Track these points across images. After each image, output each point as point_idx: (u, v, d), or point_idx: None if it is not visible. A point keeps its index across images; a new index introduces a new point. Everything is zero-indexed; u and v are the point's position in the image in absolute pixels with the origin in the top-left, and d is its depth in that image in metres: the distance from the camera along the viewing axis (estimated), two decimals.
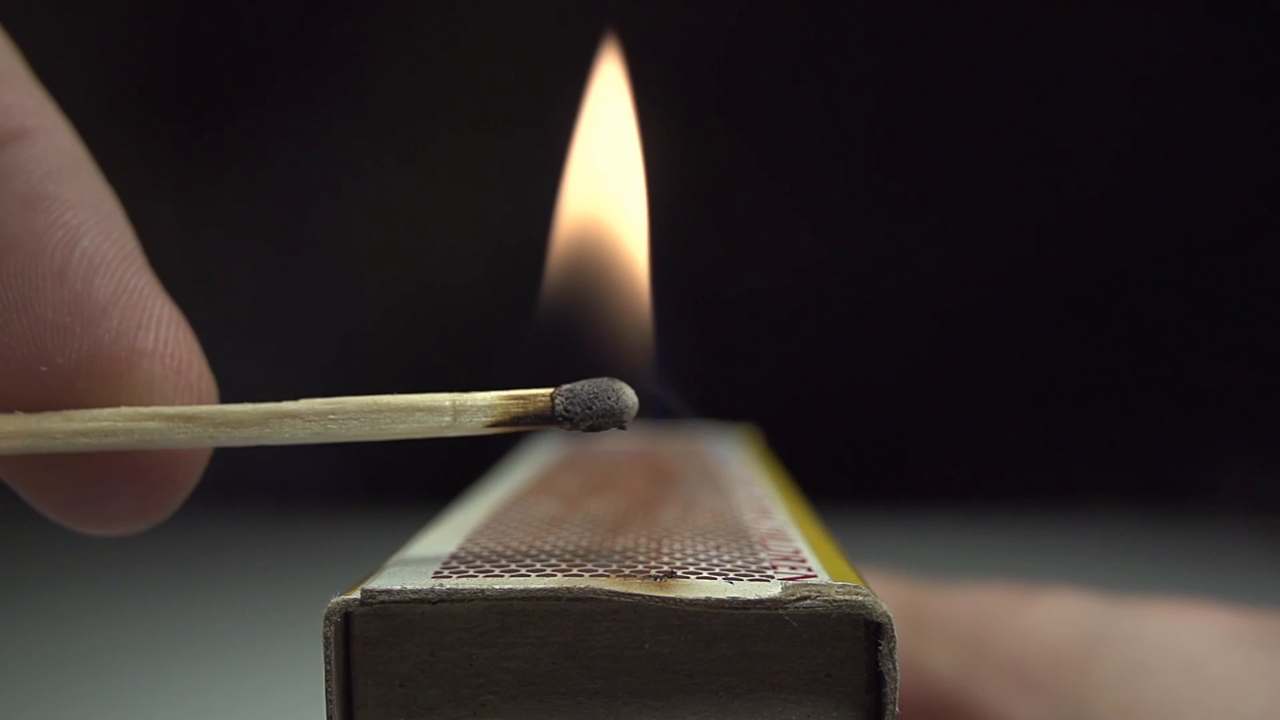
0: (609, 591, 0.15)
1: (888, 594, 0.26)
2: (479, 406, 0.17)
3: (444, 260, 0.93)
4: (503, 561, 0.16)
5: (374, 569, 0.17)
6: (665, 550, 0.17)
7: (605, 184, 0.21)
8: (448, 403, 0.17)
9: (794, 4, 0.93)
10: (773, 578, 0.16)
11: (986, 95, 0.92)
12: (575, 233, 0.21)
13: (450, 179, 0.93)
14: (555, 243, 0.21)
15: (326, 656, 0.15)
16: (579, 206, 0.21)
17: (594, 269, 0.21)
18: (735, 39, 0.92)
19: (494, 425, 0.17)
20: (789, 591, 0.15)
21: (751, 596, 0.15)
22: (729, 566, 0.16)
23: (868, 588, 0.15)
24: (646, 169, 0.21)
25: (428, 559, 0.17)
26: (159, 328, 0.17)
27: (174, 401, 0.17)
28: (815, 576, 0.16)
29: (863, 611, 0.15)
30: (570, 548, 0.17)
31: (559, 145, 0.21)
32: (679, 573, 0.16)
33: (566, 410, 0.17)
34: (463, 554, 0.17)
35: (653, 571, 0.16)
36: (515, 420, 0.17)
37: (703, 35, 0.91)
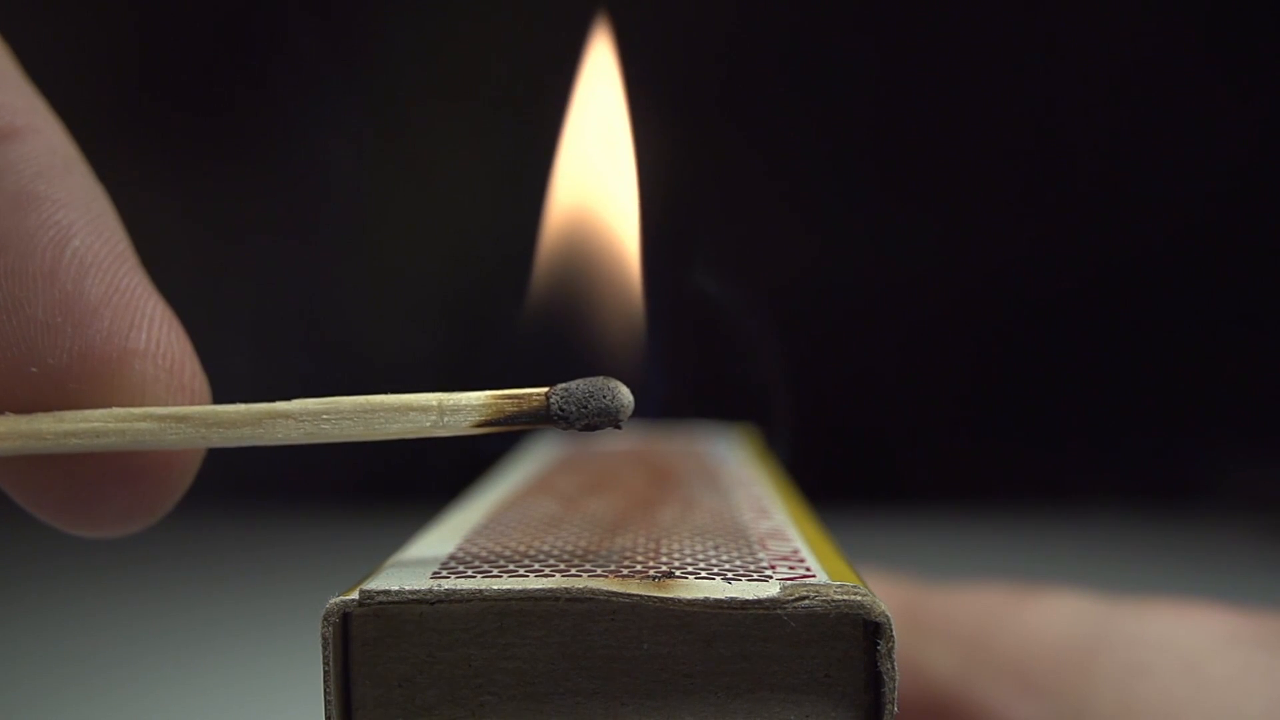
0: (607, 592, 0.15)
1: (887, 594, 0.26)
2: (474, 406, 0.17)
3: (437, 257, 0.93)
4: (501, 562, 0.16)
5: (372, 569, 0.16)
6: (664, 550, 0.17)
7: (596, 174, 0.21)
8: (442, 403, 0.17)
9: None
10: (771, 578, 0.16)
11: (985, 93, 0.92)
12: (566, 225, 0.21)
13: (442, 174, 0.92)
14: (545, 235, 0.21)
15: (325, 657, 0.15)
16: (570, 198, 0.21)
17: (585, 262, 0.21)
18: (731, 29, 0.92)
19: (489, 425, 0.17)
20: (787, 591, 0.15)
21: (750, 597, 0.15)
22: (727, 566, 0.16)
23: (866, 588, 0.15)
24: (638, 159, 0.21)
25: (426, 560, 0.17)
26: (151, 328, 0.17)
27: (166, 402, 0.17)
28: (814, 576, 0.16)
29: (861, 611, 0.15)
30: (569, 548, 0.17)
31: (549, 135, 0.21)
32: (677, 573, 0.16)
33: (562, 409, 0.17)
34: (461, 554, 0.17)
35: (651, 572, 0.16)
36: (510, 419, 0.17)
37: (697, 23, 0.91)
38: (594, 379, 0.17)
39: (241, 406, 0.17)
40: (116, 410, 0.17)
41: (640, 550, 0.17)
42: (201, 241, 0.90)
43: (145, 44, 0.93)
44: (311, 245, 0.93)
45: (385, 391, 0.17)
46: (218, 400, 0.18)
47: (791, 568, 0.16)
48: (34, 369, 0.17)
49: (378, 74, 0.92)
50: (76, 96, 0.26)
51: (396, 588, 0.15)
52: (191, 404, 0.18)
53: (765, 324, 0.85)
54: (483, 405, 0.17)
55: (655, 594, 0.15)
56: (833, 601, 0.15)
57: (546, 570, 0.16)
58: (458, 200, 0.93)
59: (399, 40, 0.92)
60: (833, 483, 0.49)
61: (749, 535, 0.19)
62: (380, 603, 0.15)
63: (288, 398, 0.17)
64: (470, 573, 0.16)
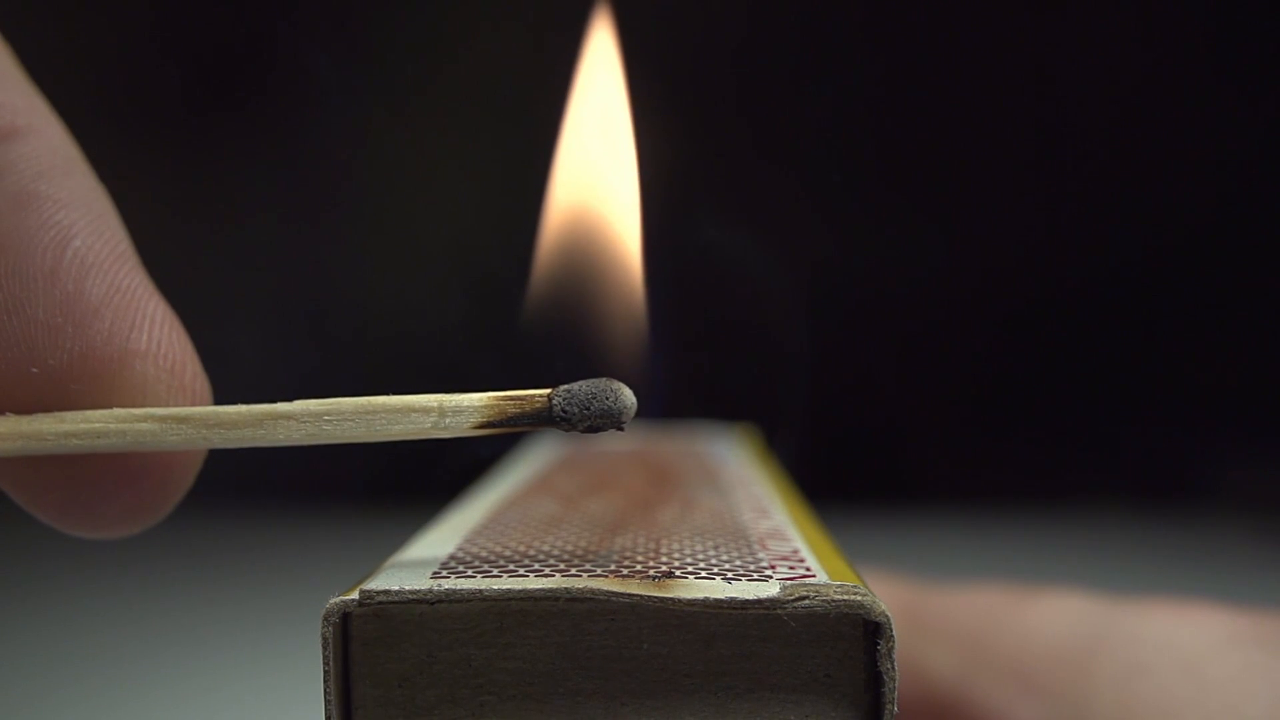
0: (607, 592, 0.15)
1: (887, 594, 0.26)
2: (475, 407, 0.17)
3: (437, 256, 0.93)
4: (501, 562, 0.16)
5: (372, 570, 0.16)
6: (664, 550, 0.17)
7: (598, 171, 0.21)
8: (444, 404, 0.17)
9: None
10: (771, 578, 0.16)
11: (986, 95, 0.92)
12: (567, 223, 0.21)
13: (442, 172, 0.92)
14: (546, 234, 0.21)
15: (325, 657, 0.15)
16: (571, 195, 0.21)
17: (586, 261, 0.21)
18: (734, 22, 0.92)
19: (490, 426, 0.17)
20: (787, 591, 0.15)
21: (750, 596, 0.15)
22: (727, 566, 0.16)
23: (866, 587, 0.15)
24: (640, 155, 0.21)
25: (426, 560, 0.17)
26: (152, 328, 0.17)
27: (167, 403, 0.17)
28: (814, 576, 0.16)
29: (861, 611, 0.15)
30: (569, 548, 0.17)
31: (550, 130, 0.21)
32: (677, 573, 0.16)
33: (564, 411, 0.17)
34: (461, 554, 0.17)
35: (651, 572, 0.16)
36: (512, 421, 0.17)
37: (700, 15, 0.91)
38: (596, 380, 0.17)
39: (243, 407, 0.17)
40: (117, 411, 0.17)
41: (640, 550, 0.17)
42: (202, 242, 0.90)
43: (145, 44, 0.92)
44: (312, 245, 0.93)
45: (387, 392, 0.17)
46: (219, 401, 0.18)
47: (791, 568, 0.16)
48: (35, 369, 0.17)
49: (377, 70, 0.92)
50: (76, 96, 0.26)
51: (396, 588, 0.15)
52: (192, 405, 0.18)
53: (765, 323, 0.86)
54: (484, 407, 0.17)
55: (655, 594, 0.15)
56: (833, 601, 0.15)
57: (546, 570, 0.16)
58: (457, 199, 0.93)
59: (397, 37, 0.92)
60: (833, 483, 0.49)
61: (749, 535, 0.18)
62: (380, 603, 0.15)
63: (289, 398, 0.17)
64: (470, 573, 0.16)
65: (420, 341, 0.89)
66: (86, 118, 0.22)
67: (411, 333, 0.91)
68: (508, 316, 0.21)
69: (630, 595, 0.15)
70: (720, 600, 0.15)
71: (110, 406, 0.17)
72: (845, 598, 0.15)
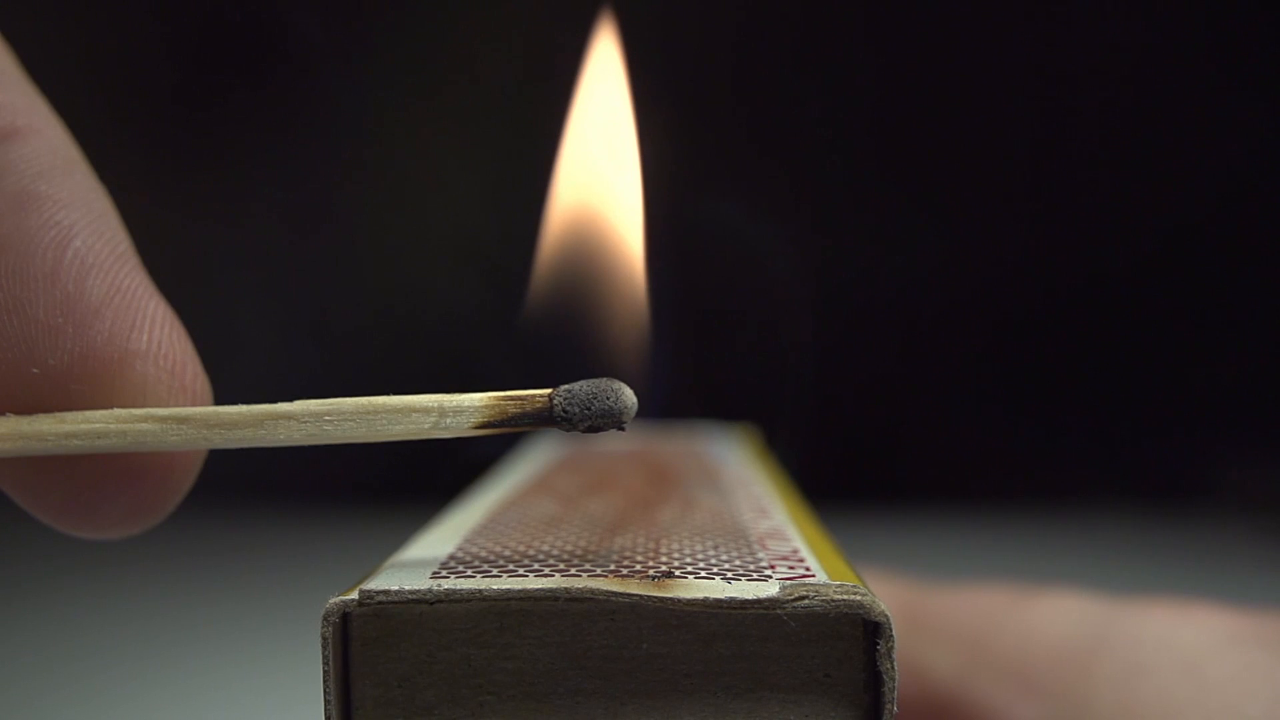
0: (607, 592, 0.15)
1: (887, 594, 0.26)
2: (476, 407, 0.17)
3: (439, 257, 0.93)
4: (501, 562, 0.16)
5: (372, 569, 0.16)
6: (663, 550, 0.17)
7: (600, 172, 0.21)
8: (444, 404, 0.17)
9: None
10: (771, 577, 0.16)
11: (987, 95, 0.92)
12: (569, 224, 0.21)
13: (444, 173, 0.92)
14: (548, 235, 0.21)
15: (325, 657, 0.15)
16: (573, 196, 0.21)
17: (588, 261, 0.21)
18: (736, 27, 0.92)
19: (491, 426, 0.17)
20: (787, 591, 0.15)
21: (749, 596, 0.15)
22: (727, 566, 0.16)
23: (866, 587, 0.15)
24: (642, 157, 0.21)
25: (426, 560, 0.17)
26: (152, 328, 0.17)
27: (168, 403, 0.17)
28: (813, 576, 0.16)
29: (860, 611, 0.15)
30: (568, 548, 0.17)
31: (552, 132, 0.21)
32: (677, 573, 0.16)
33: (565, 411, 0.17)
34: (461, 554, 0.17)
35: (650, 572, 0.16)
36: (512, 421, 0.17)
37: (703, 21, 0.91)
38: (597, 380, 0.17)
39: (243, 408, 0.17)
40: (118, 411, 0.17)
41: (640, 550, 0.17)
42: (203, 242, 0.90)
43: (146, 43, 0.92)
44: (314, 244, 0.93)
45: (388, 392, 0.17)
46: (219, 401, 0.18)
47: (791, 567, 0.16)
48: (35, 370, 0.17)
49: (380, 69, 0.92)
50: (76, 96, 0.26)
51: (396, 588, 0.15)
52: (193, 405, 0.18)
53: (766, 323, 0.86)
54: (485, 407, 0.17)
55: (655, 594, 0.15)
56: (832, 601, 0.15)
57: (546, 570, 0.16)
58: (460, 199, 0.93)
59: (400, 34, 0.92)
60: (833, 483, 0.49)
61: (749, 535, 0.19)
62: (380, 603, 0.15)
63: (290, 398, 0.17)
64: (470, 573, 0.16)
65: (421, 341, 0.89)
66: (86, 118, 0.22)
67: (412, 333, 0.91)
68: (510, 316, 0.21)
69: (630, 595, 0.15)
70: (720, 600, 0.15)
71: (111, 407, 0.17)
72: (845, 597, 0.15)
